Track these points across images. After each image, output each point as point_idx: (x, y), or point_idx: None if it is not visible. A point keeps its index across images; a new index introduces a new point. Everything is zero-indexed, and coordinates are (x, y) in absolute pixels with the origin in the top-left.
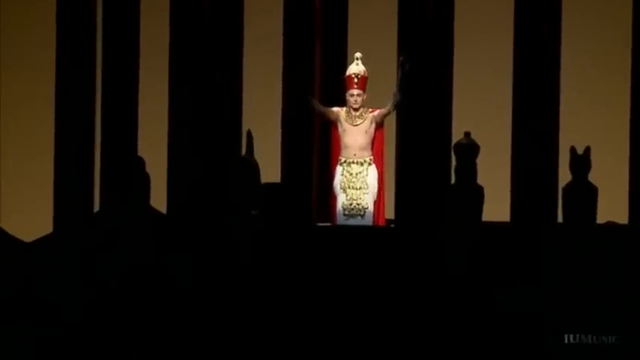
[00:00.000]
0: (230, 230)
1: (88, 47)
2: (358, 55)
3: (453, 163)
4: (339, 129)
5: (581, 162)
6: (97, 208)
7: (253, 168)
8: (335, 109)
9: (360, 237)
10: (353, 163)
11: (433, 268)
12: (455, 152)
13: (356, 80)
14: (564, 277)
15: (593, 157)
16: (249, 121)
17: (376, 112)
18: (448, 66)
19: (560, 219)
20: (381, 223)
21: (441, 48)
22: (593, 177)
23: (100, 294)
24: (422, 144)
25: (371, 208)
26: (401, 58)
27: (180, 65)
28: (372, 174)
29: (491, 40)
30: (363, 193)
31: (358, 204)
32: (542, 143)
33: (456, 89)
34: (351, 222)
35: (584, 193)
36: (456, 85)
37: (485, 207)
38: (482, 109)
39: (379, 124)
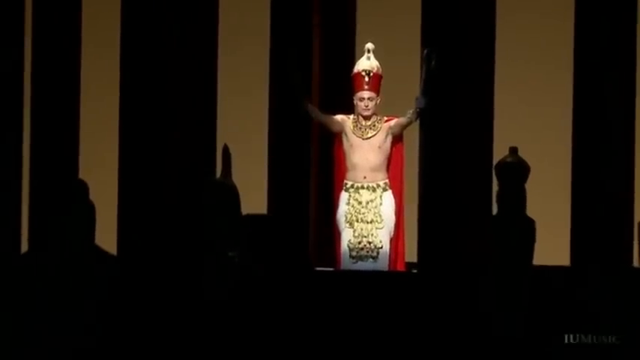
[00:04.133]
0: (201, 277)
1: (14, 35)
2: (370, 46)
3: (495, 187)
4: (345, 144)
5: None
6: (24, 247)
7: (231, 194)
8: (339, 117)
9: (372, 285)
10: (362, 188)
11: (470, 327)
12: (497, 174)
13: (367, 79)
14: None
15: None
16: (226, 133)
17: (393, 122)
18: (488, 61)
19: (635, 262)
20: (400, 267)
21: (478, 37)
22: None
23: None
24: (453, 163)
25: (386, 247)
26: (426, 50)
27: (134, 61)
28: (387, 203)
29: (545, 25)
30: (376, 228)
31: (370, 242)
32: (612, 162)
33: (498, 91)
34: (361, 266)
35: None
36: (498, 87)
37: (537, 246)
38: (532, 118)
39: (397, 138)
